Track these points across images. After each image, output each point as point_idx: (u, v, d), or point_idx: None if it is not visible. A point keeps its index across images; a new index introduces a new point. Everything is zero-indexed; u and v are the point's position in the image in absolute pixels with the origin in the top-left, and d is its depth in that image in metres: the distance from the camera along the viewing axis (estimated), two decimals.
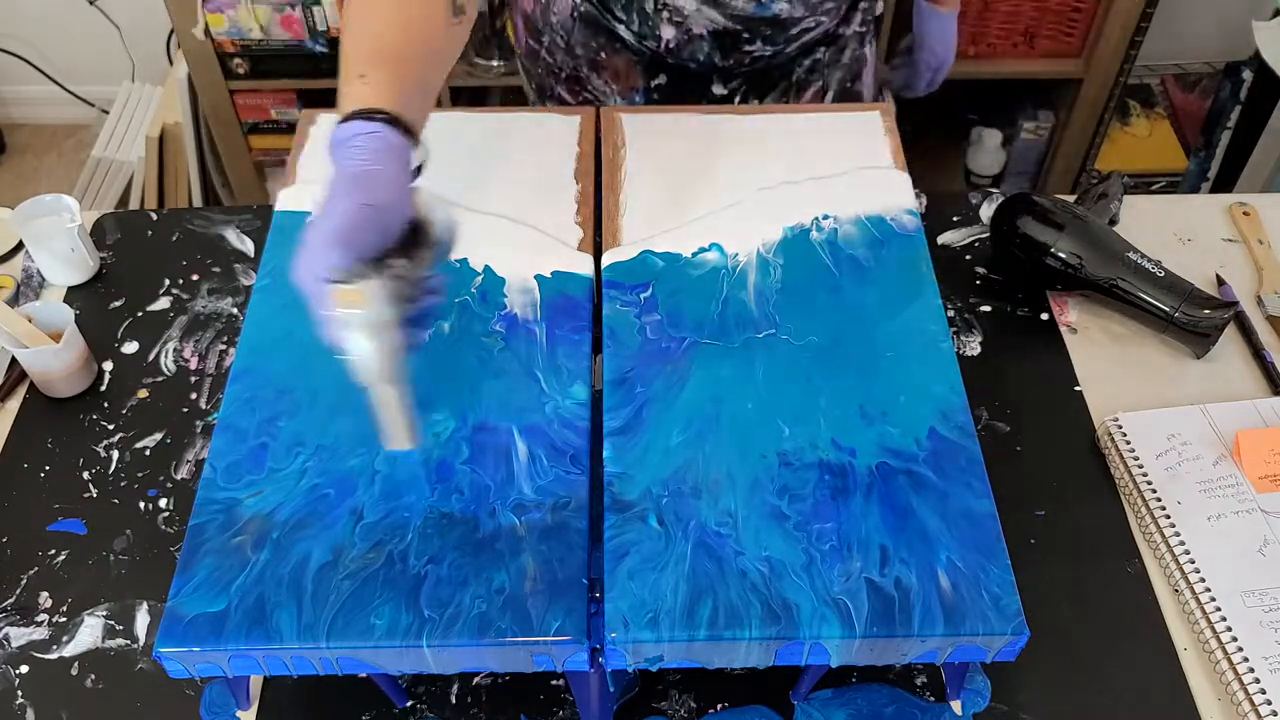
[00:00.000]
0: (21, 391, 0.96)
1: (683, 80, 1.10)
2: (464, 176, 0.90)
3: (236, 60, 1.92)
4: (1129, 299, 0.98)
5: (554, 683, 0.78)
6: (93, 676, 0.79)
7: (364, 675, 0.73)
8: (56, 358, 0.92)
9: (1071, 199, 1.06)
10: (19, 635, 0.81)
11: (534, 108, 1.19)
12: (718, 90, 1.11)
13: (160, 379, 0.97)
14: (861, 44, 1.19)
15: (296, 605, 0.65)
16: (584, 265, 0.84)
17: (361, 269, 0.63)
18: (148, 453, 0.91)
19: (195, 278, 1.05)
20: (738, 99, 1.14)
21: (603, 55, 1.10)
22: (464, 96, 2.09)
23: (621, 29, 1.06)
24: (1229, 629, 0.77)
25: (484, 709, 0.77)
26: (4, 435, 0.93)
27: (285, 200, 0.89)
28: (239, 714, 0.76)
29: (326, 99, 1.33)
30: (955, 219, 1.11)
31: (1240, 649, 0.76)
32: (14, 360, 0.96)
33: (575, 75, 1.14)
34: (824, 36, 1.10)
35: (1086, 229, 1.00)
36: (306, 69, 1.92)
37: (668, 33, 1.03)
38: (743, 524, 0.69)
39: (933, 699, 0.78)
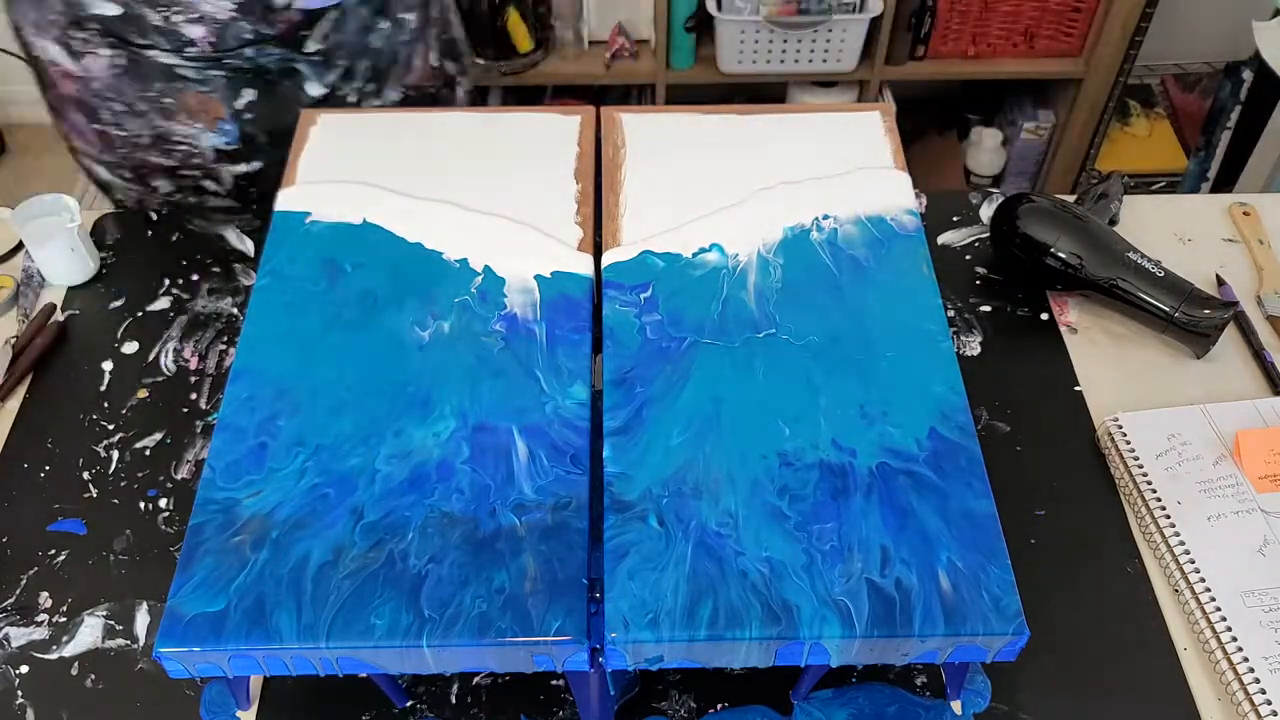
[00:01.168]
0: (21, 391, 0.96)
1: (270, 90, 1.06)
2: (464, 176, 0.90)
3: None
4: (1129, 299, 0.98)
5: (554, 683, 0.78)
6: (93, 676, 0.79)
7: (364, 675, 0.73)
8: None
9: (1071, 199, 1.06)
10: (19, 635, 0.81)
11: (524, 107, 1.18)
12: (314, 91, 1.08)
13: (160, 379, 0.97)
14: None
15: (296, 605, 0.65)
16: (584, 265, 0.84)
17: None
18: (148, 453, 0.91)
19: (195, 278, 1.05)
20: (350, 97, 1.10)
21: (167, 99, 1.05)
22: None
23: (158, 55, 1.01)
24: (1229, 629, 0.77)
25: (484, 709, 0.77)
26: (4, 435, 0.93)
27: (285, 200, 0.89)
28: (239, 714, 0.76)
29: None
30: (955, 219, 1.11)
31: (1240, 649, 0.76)
32: (14, 360, 0.96)
33: (161, 134, 1.08)
34: None
35: (1086, 229, 1.00)
36: None
37: (197, 31, 0.99)
38: (743, 524, 0.69)
39: (930, 696, 0.78)
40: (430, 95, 1.20)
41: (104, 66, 1.03)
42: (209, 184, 1.15)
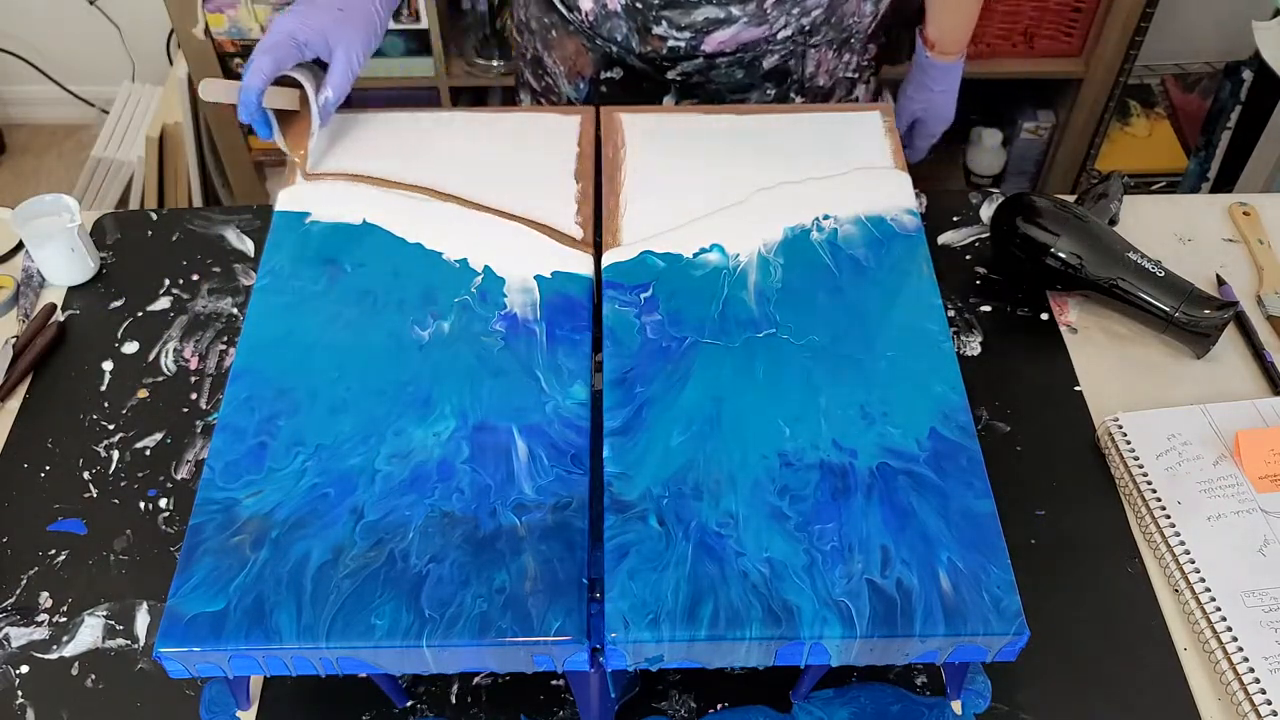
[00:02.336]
0: (21, 391, 0.96)
1: (633, 81, 1.09)
2: (464, 176, 0.90)
3: (237, 60, 1.92)
4: (1129, 299, 0.98)
5: (554, 683, 0.78)
6: (93, 676, 0.79)
7: (364, 675, 0.73)
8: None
9: (1071, 199, 1.06)
10: (19, 635, 0.81)
11: (528, 107, 1.19)
12: (667, 102, 1.09)
13: (160, 379, 0.97)
14: (850, 90, 1.15)
15: (296, 605, 0.65)
16: (584, 265, 0.84)
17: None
18: (148, 453, 0.91)
19: (195, 278, 1.05)
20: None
21: (553, 34, 1.10)
22: (464, 96, 2.09)
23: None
24: (1229, 629, 0.77)
25: (484, 709, 0.77)
26: (4, 435, 0.93)
27: (285, 200, 0.89)
28: (239, 714, 0.76)
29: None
30: (955, 219, 1.11)
31: (1240, 649, 0.76)
32: (14, 360, 0.96)
33: (537, 56, 1.15)
34: (758, 50, 1.05)
35: (1086, 229, 1.00)
36: None
37: (586, 4, 1.03)
38: (743, 524, 0.69)
39: (930, 695, 0.77)
40: None
41: None
42: None
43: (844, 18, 1.07)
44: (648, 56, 1.06)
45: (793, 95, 1.11)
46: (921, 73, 1.15)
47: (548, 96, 1.19)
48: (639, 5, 1.00)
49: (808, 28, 1.05)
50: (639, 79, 1.09)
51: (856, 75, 1.15)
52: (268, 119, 0.90)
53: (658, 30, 1.03)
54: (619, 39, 1.05)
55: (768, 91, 1.10)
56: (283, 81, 0.89)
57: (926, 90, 1.16)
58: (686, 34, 1.03)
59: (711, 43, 1.03)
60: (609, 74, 1.09)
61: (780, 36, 1.04)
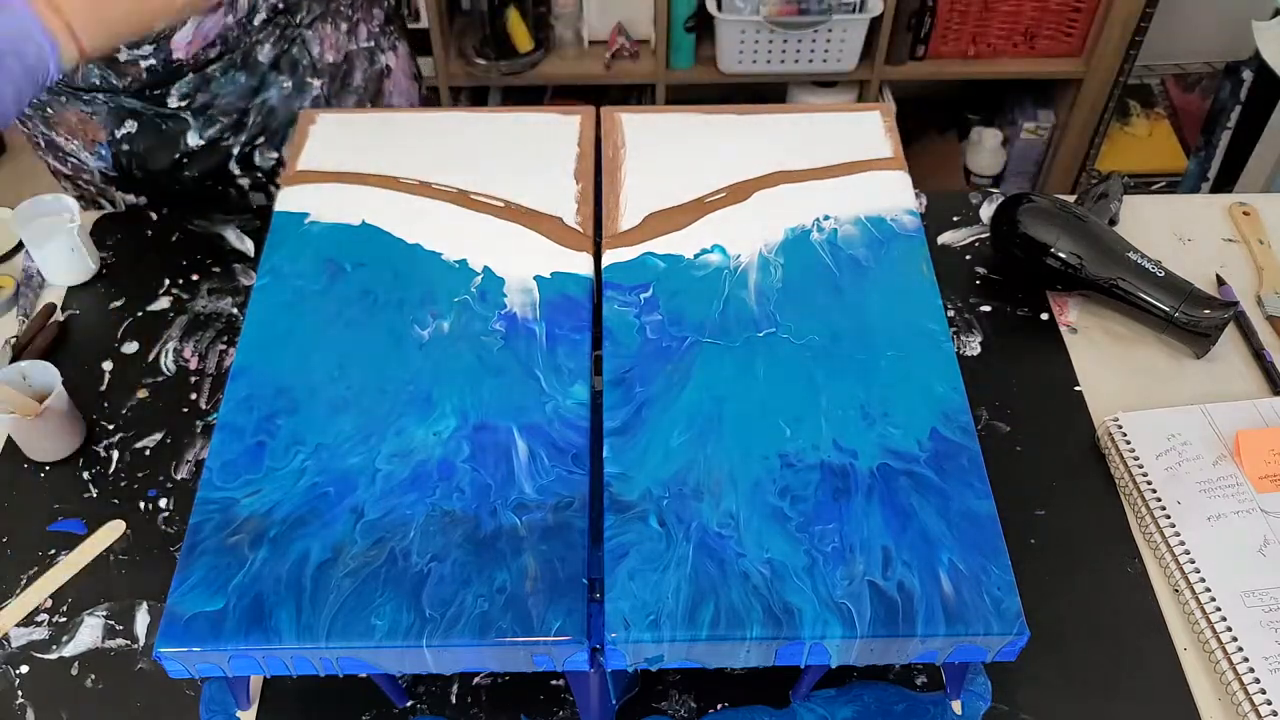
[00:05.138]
0: None
1: (151, 125, 1.05)
2: (464, 176, 0.90)
3: None
4: (1129, 299, 0.98)
5: (554, 683, 0.78)
6: (93, 676, 0.79)
7: (364, 675, 0.73)
8: (34, 428, 0.87)
9: (1071, 199, 1.06)
10: (19, 635, 0.81)
11: (528, 106, 1.17)
12: (192, 140, 1.06)
13: (160, 379, 0.97)
14: (372, 59, 1.10)
15: (295, 604, 0.65)
16: (584, 265, 0.84)
17: None
18: (148, 453, 0.91)
19: (195, 278, 1.05)
20: (235, 149, 1.08)
21: (50, 110, 1.06)
22: (464, 96, 2.09)
23: None
24: (1229, 629, 0.77)
25: (484, 709, 0.77)
26: (4, 435, 0.93)
27: (285, 200, 0.89)
28: (239, 714, 0.76)
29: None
30: (955, 219, 1.11)
31: (1240, 649, 0.76)
32: (14, 360, 0.96)
33: (49, 140, 1.11)
34: (241, 44, 1.00)
35: (1086, 229, 1.00)
36: None
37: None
38: (744, 525, 0.69)
39: (929, 692, 0.77)
40: None
41: None
42: (106, 205, 1.16)
43: None
44: (139, 89, 1.01)
45: (309, 80, 1.07)
46: None
47: (80, 177, 1.14)
48: None
49: (281, 6, 1.00)
50: (155, 121, 1.05)
51: (373, 44, 1.11)
52: None
53: (122, 56, 0.97)
54: (97, 83, 1.00)
55: (284, 85, 1.06)
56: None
57: None
58: (149, 47, 0.97)
59: (179, 45, 0.97)
60: (124, 130, 1.05)
61: (257, 21, 0.99)
